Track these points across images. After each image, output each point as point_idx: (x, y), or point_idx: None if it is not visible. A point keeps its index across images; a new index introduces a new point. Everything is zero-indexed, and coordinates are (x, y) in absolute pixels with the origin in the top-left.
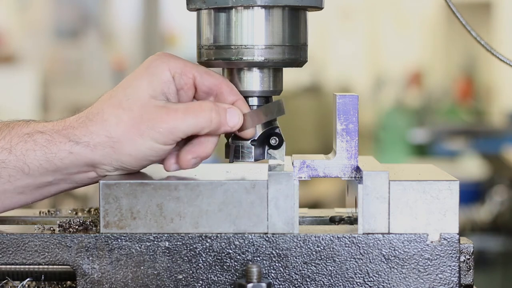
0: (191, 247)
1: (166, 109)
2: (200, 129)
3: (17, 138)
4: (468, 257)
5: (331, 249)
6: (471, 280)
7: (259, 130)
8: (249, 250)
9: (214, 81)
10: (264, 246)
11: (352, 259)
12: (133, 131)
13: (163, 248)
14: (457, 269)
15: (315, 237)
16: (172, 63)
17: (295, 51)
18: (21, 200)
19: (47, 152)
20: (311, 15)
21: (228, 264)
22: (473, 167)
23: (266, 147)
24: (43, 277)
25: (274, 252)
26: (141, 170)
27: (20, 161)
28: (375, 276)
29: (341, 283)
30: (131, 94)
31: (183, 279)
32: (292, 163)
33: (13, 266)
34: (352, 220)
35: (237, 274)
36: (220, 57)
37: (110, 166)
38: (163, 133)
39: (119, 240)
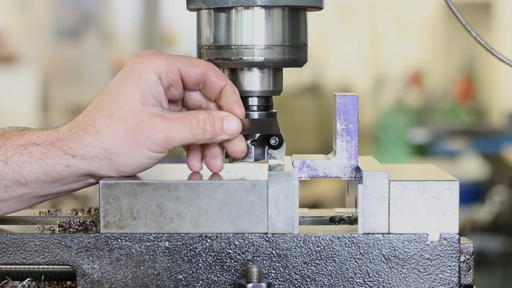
0: (191, 247)
1: (162, 117)
2: (195, 140)
3: (12, 149)
4: (468, 257)
5: (331, 249)
6: (471, 280)
7: None
8: (249, 250)
9: (200, 70)
10: (264, 246)
11: (352, 259)
12: (129, 141)
13: (163, 248)
14: (457, 269)
15: (315, 237)
16: (155, 62)
17: (295, 51)
18: (19, 206)
19: (44, 165)
20: (311, 15)
21: (228, 264)
22: (473, 167)
23: (266, 147)
24: (43, 277)
25: (274, 252)
26: None
27: (16, 173)
28: (375, 276)
29: (341, 283)
30: (121, 103)
31: (183, 279)
32: (292, 163)
33: (13, 266)
34: (352, 220)
35: (237, 274)
36: (220, 57)
37: (108, 174)
38: (159, 143)
39: (119, 240)
